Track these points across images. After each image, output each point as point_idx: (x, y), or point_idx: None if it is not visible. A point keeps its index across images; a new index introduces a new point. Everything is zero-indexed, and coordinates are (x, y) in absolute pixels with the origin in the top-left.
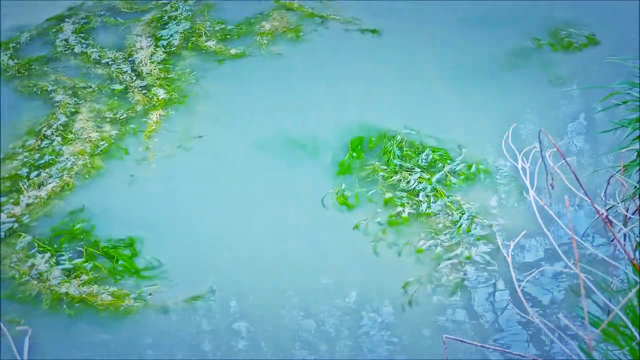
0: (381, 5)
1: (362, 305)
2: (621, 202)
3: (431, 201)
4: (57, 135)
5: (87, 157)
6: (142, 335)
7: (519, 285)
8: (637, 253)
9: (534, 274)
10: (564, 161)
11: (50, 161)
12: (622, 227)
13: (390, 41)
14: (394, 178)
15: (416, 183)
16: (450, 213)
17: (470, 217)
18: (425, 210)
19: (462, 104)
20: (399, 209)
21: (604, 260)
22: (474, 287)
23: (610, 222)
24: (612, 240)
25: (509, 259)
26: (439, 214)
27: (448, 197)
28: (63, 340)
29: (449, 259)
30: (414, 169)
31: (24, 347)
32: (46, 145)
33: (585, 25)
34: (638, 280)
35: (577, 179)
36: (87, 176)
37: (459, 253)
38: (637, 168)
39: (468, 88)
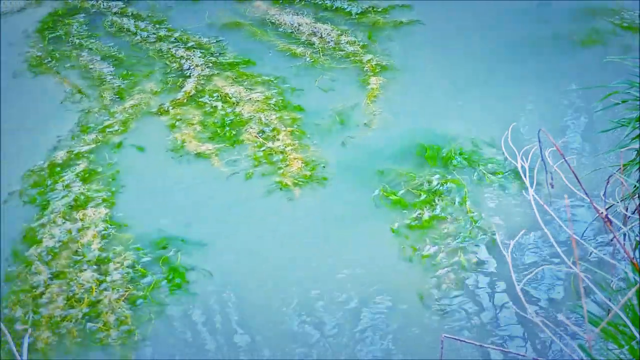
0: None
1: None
2: (621, 201)
3: (437, 206)
4: None
5: None
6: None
7: (518, 284)
8: (636, 252)
9: (533, 273)
10: (563, 160)
11: None
12: (622, 226)
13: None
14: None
15: (439, 185)
16: (459, 220)
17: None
18: (440, 213)
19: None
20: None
21: (604, 259)
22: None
23: (610, 221)
24: (612, 240)
25: (509, 259)
26: (447, 219)
27: (460, 203)
28: None
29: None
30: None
31: (24, 347)
32: None
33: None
34: (638, 280)
35: (577, 178)
36: None
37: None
38: (637, 167)
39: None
